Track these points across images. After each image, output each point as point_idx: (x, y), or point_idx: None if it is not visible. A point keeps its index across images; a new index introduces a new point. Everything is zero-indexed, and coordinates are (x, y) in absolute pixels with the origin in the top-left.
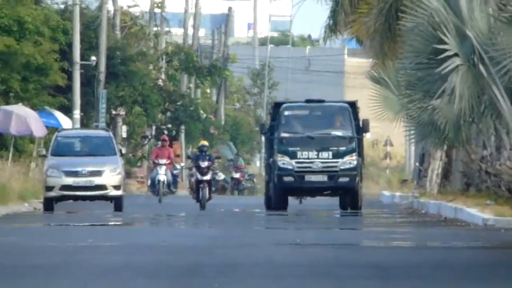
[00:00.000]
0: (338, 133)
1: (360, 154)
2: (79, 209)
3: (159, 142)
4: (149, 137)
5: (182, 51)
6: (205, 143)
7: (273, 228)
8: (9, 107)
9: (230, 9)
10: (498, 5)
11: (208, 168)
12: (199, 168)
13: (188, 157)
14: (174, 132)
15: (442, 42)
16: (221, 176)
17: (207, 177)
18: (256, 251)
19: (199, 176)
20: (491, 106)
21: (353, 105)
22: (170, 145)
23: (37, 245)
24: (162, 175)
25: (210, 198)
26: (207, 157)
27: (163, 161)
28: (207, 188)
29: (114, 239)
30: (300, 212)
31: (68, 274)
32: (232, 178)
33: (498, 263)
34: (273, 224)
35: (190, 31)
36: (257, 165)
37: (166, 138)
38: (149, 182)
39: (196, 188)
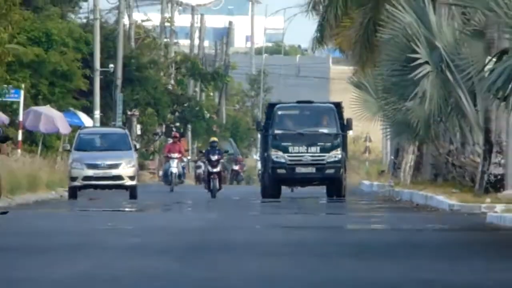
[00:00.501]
0: (325, 130)
1: (344, 149)
2: (99, 197)
3: (169, 139)
4: (160, 134)
5: (189, 59)
6: (215, 139)
7: (267, 213)
8: (38, 108)
9: (230, 23)
10: (463, 20)
11: (218, 161)
12: (210, 161)
13: (200, 151)
14: (181, 130)
15: (414, 51)
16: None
17: (217, 169)
18: (253, 233)
19: (210, 168)
20: (456, 108)
21: (338, 105)
22: (179, 141)
23: (62, 227)
24: (174, 167)
25: (220, 188)
26: (217, 152)
27: (175, 155)
28: (217, 179)
29: (129, 223)
30: (291, 199)
31: (89, 252)
32: (232, 170)
33: (462, 243)
34: (267, 210)
35: (196, 42)
36: (254, 158)
37: (177, 135)
38: (161, 173)
39: (207, 179)
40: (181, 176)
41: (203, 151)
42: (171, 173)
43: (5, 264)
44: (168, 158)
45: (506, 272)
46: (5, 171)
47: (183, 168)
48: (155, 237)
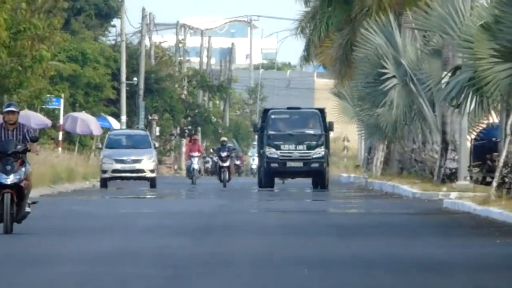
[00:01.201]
0: (311, 131)
1: (327, 147)
2: (125, 186)
3: (183, 140)
4: (175, 135)
5: (199, 74)
6: (225, 139)
7: (263, 200)
8: (75, 114)
9: (232, 44)
10: (424, 41)
11: (227, 156)
12: (220, 157)
13: (212, 149)
14: (193, 131)
15: (384, 67)
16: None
17: (227, 163)
18: (251, 216)
19: (221, 163)
20: (419, 113)
21: (321, 111)
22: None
23: (94, 211)
24: (196, 164)
25: (229, 179)
26: (226, 149)
27: (195, 153)
28: (227, 172)
29: (150, 207)
30: (283, 189)
31: (116, 232)
32: (235, 164)
33: (423, 224)
34: (263, 197)
35: (204, 60)
36: (248, 155)
37: (196, 137)
38: (176, 166)
39: (219, 171)
40: (200, 171)
41: (214, 148)
42: (193, 169)
43: (46, 242)
44: (190, 157)
45: (456, 247)
46: (48, 165)
47: None
48: (171, 220)
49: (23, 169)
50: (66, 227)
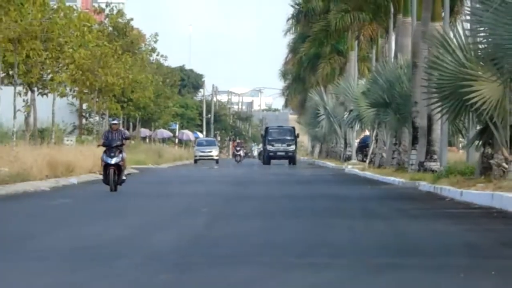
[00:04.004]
0: (288, 137)
1: (295, 145)
2: (205, 164)
3: (231, 142)
4: (228, 140)
5: (237, 113)
6: (239, 141)
7: (265, 169)
8: (183, 131)
9: (252, 101)
10: (336, 99)
11: (240, 148)
12: (236, 149)
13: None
14: (235, 138)
15: (318, 110)
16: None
17: (240, 152)
18: (260, 176)
19: (235, 152)
20: (334, 131)
21: (293, 128)
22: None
23: (186, 174)
24: (239, 153)
25: (241, 160)
26: (242, 146)
27: (238, 149)
28: (240, 156)
29: (216, 173)
30: (273, 165)
31: (203, 182)
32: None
33: (336, 179)
34: (264, 169)
35: (235, 108)
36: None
37: (241, 141)
38: (230, 156)
39: (233, 156)
40: (243, 156)
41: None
42: (237, 155)
43: (153, 189)
44: (235, 150)
45: (354, 189)
46: (170, 154)
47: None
48: (225, 178)
49: (121, 155)
50: (169, 180)
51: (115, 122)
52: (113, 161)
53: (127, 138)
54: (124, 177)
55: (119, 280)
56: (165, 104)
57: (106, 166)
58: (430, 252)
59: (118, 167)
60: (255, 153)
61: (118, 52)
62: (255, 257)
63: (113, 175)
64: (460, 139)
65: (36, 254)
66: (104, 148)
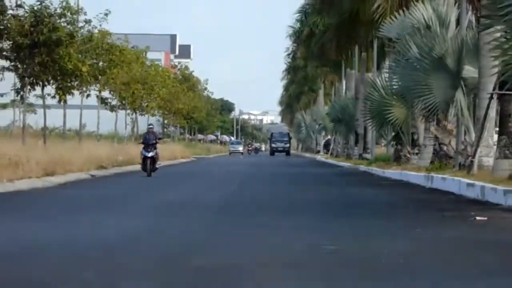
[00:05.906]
0: (285, 139)
1: (289, 143)
2: (235, 155)
3: (247, 142)
4: (248, 142)
5: (259, 126)
6: (251, 142)
7: (270, 158)
8: (223, 136)
9: (262, 119)
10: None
11: (251, 145)
12: (249, 146)
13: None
14: (253, 140)
15: (301, 125)
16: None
17: (253, 147)
18: (268, 160)
19: (249, 147)
20: (309, 138)
21: (288, 133)
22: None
23: (220, 161)
24: (253, 148)
25: (250, 153)
26: (254, 143)
27: (250, 147)
28: (253, 151)
29: (242, 159)
30: (277, 157)
31: (230, 165)
32: (255, 148)
33: (315, 164)
34: (270, 158)
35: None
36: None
37: (252, 143)
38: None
39: (248, 151)
40: (253, 150)
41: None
42: (255, 148)
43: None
44: (249, 147)
45: (327, 169)
46: (206, 149)
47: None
48: (245, 162)
49: (155, 150)
50: (215, 163)
51: (151, 126)
52: (149, 154)
53: (159, 139)
54: (157, 166)
55: (189, 218)
56: (212, 120)
57: (145, 158)
58: (366, 205)
59: (153, 159)
60: (263, 148)
61: (185, 90)
62: (266, 207)
63: (149, 164)
64: (383, 140)
65: (137, 206)
66: (143, 146)
